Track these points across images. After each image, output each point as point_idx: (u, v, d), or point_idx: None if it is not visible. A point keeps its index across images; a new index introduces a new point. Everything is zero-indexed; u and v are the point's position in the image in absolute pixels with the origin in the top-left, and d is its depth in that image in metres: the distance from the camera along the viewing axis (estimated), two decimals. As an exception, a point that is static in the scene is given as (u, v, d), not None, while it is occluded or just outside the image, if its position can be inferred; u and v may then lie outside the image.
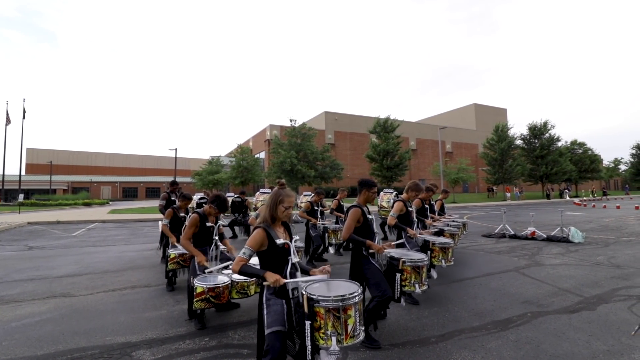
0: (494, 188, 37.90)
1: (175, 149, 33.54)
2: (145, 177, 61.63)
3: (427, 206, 5.31)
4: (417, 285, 3.31)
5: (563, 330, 3.09)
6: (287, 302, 2.04)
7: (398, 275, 3.30)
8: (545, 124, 34.84)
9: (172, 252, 4.33)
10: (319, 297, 1.94)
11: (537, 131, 35.21)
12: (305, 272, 2.25)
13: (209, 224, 3.66)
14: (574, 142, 42.65)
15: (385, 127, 31.41)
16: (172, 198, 6.83)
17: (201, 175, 41.95)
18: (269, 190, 5.09)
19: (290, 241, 2.22)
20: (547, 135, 35.04)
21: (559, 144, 36.16)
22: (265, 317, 2.00)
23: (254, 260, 2.56)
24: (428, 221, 5.11)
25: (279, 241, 2.13)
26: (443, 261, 4.35)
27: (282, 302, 2.03)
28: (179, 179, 40.85)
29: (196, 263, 3.43)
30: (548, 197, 34.09)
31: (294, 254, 2.17)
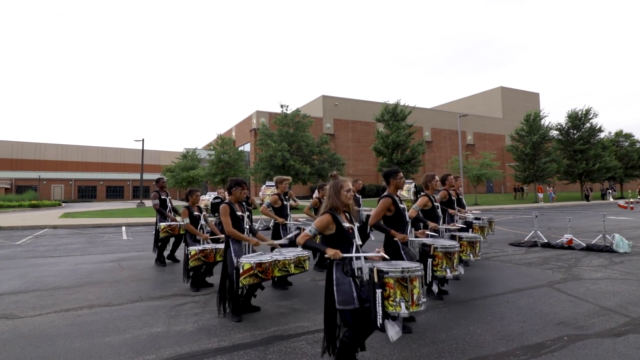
0: (523, 187, 38.12)
1: (142, 140, 33.30)
2: (106, 173, 61.35)
3: (454, 198, 6.06)
4: (448, 270, 4.05)
5: (606, 357, 3.11)
6: (354, 281, 2.67)
7: (430, 260, 4.00)
8: (588, 111, 34.86)
9: (192, 249, 5.08)
10: (389, 269, 2.61)
11: (578, 121, 35.28)
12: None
13: (239, 213, 4.27)
14: (619, 134, 42.96)
15: (394, 115, 31.48)
16: (163, 197, 7.45)
17: (173, 172, 41.50)
18: (273, 183, 5.91)
19: (353, 226, 2.87)
20: (587, 125, 35.18)
21: (602, 135, 36.35)
22: (335, 294, 2.66)
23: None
24: (451, 211, 5.83)
25: (346, 225, 2.81)
26: (471, 255, 5.13)
27: (350, 280, 2.66)
28: (146, 176, 40.71)
29: (251, 247, 4.26)
30: (587, 198, 34.39)
31: (357, 237, 2.83)
